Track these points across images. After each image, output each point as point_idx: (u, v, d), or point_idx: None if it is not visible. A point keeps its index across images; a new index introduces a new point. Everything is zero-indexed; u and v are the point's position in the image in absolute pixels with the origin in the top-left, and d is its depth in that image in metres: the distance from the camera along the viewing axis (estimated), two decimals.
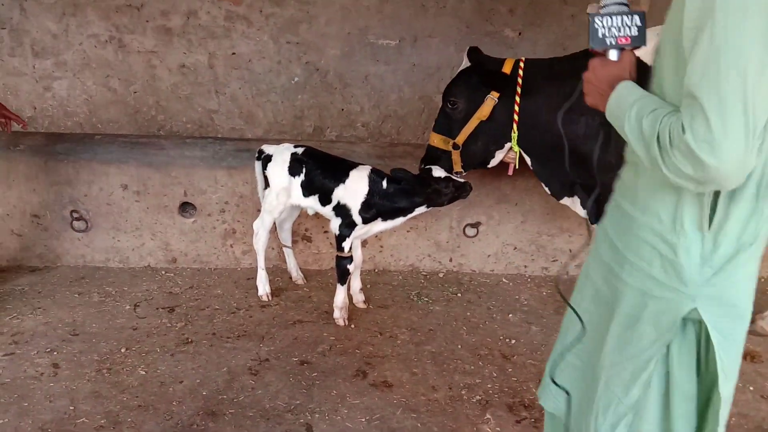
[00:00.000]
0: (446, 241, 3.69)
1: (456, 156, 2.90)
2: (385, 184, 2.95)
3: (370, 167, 3.04)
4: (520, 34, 4.13)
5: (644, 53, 1.44)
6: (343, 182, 3.00)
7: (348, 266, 3.05)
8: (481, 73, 2.79)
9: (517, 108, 2.73)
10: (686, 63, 1.10)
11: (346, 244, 3.01)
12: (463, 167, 2.94)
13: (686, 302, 1.25)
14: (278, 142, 3.27)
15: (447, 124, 2.89)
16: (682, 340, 1.33)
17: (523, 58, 2.76)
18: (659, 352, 1.34)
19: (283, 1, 3.99)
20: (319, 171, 3.06)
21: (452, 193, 2.92)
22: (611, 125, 2.88)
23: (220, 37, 4.06)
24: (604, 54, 1.37)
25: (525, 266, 3.75)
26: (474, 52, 2.85)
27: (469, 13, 4.07)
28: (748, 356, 2.98)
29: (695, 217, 1.22)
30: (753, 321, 3.18)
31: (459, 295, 3.50)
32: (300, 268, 3.55)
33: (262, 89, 4.15)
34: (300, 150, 3.10)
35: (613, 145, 2.62)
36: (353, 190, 2.98)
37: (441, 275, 3.71)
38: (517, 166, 2.91)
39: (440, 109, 2.93)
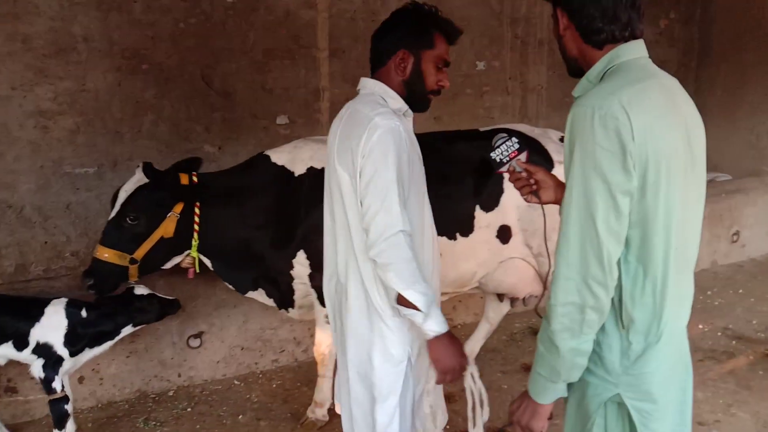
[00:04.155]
0: (171, 358, 3.67)
1: (133, 270, 2.86)
2: (84, 312, 2.91)
3: (66, 299, 2.98)
4: (220, 148, 4.46)
5: None
6: (39, 321, 2.88)
7: (66, 407, 2.89)
8: (166, 187, 2.83)
9: (197, 219, 2.88)
10: None
11: (56, 384, 2.86)
12: (138, 276, 2.92)
13: (611, 388, 1.50)
14: None
15: (123, 239, 2.81)
16: (611, 417, 1.55)
17: (196, 174, 2.95)
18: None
19: None
20: (8, 316, 2.89)
21: (158, 310, 2.99)
22: (271, 223, 3.20)
23: None
24: (509, 171, 1.83)
25: (255, 363, 3.90)
26: (150, 168, 2.85)
27: (166, 134, 4.28)
28: (449, 398, 3.45)
29: (613, 318, 1.46)
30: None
31: (190, 409, 3.48)
32: (7, 425, 3.22)
33: None
34: None
35: (279, 239, 2.98)
36: (52, 327, 2.87)
37: (171, 393, 3.65)
38: (197, 270, 3.02)
39: (112, 222, 2.83)
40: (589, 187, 1.34)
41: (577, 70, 1.58)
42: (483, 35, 5.43)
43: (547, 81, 5.76)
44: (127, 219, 2.80)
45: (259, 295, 3.13)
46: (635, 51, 1.48)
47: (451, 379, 1.88)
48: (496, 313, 3.60)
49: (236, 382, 3.78)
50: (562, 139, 3.25)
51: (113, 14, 4.03)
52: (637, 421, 1.48)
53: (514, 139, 1.83)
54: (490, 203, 3.03)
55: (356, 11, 4.83)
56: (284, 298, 3.10)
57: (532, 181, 1.80)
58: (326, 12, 4.69)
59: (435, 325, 1.81)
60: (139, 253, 2.82)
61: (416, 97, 2.01)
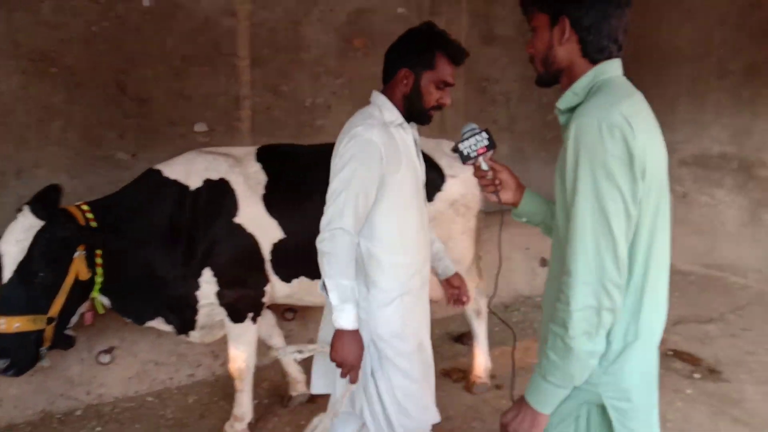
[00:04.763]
0: (79, 375, 3.50)
1: (50, 330, 2.48)
2: None
3: None
4: (134, 155, 4.31)
5: None
6: None
7: None
8: (68, 225, 2.51)
9: (99, 252, 2.65)
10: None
11: None
12: (54, 337, 2.53)
13: (591, 389, 1.51)
14: None
15: (32, 299, 2.42)
16: (582, 420, 1.57)
17: (84, 203, 2.69)
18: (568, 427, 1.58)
19: None
20: None
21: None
22: (170, 243, 3.04)
23: None
24: (475, 165, 1.75)
25: (170, 378, 3.77)
26: (41, 208, 2.46)
27: (76, 141, 4.10)
28: None
29: None
30: None
31: (99, 428, 3.32)
32: None
33: None
34: None
35: (181, 258, 2.86)
36: None
37: (79, 413, 3.47)
38: (100, 310, 2.80)
39: (12, 285, 2.39)
40: (602, 193, 1.39)
41: (551, 80, 1.62)
42: None
43: (465, 96, 5.96)
44: (38, 274, 2.42)
45: (158, 323, 2.96)
46: (617, 68, 1.57)
47: (338, 366, 2.01)
48: None
49: (150, 399, 3.64)
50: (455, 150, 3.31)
51: (18, 14, 3.82)
52: (615, 421, 1.51)
53: (485, 134, 1.74)
54: None
55: (278, 21, 4.82)
56: (186, 321, 2.95)
57: (497, 181, 1.78)
58: (247, 21, 4.65)
59: (342, 320, 1.96)
60: (55, 308, 2.47)
61: (415, 112, 2.14)
